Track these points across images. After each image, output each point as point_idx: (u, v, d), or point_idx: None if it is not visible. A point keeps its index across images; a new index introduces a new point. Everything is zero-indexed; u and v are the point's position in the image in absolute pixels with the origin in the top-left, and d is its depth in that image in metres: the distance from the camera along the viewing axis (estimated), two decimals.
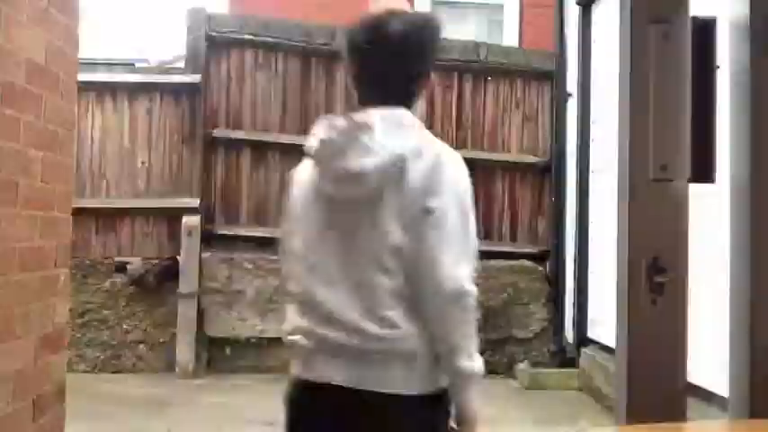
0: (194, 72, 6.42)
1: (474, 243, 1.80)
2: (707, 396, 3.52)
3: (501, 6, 8.54)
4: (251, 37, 6.53)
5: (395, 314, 1.59)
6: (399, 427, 1.60)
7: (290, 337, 1.72)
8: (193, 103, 6.44)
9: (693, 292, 1.84)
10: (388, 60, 1.67)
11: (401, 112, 1.71)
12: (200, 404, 5.31)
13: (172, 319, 6.17)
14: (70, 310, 5.02)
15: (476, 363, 1.70)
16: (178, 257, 6.21)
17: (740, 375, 1.79)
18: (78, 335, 6.10)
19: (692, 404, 2.32)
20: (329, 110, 6.64)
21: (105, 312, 6.20)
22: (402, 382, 1.59)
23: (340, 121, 1.65)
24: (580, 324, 6.28)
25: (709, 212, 2.98)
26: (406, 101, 1.73)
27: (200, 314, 6.21)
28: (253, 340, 6.29)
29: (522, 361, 6.36)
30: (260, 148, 6.54)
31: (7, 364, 2.46)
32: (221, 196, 6.51)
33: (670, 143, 1.72)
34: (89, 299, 6.18)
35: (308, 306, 1.66)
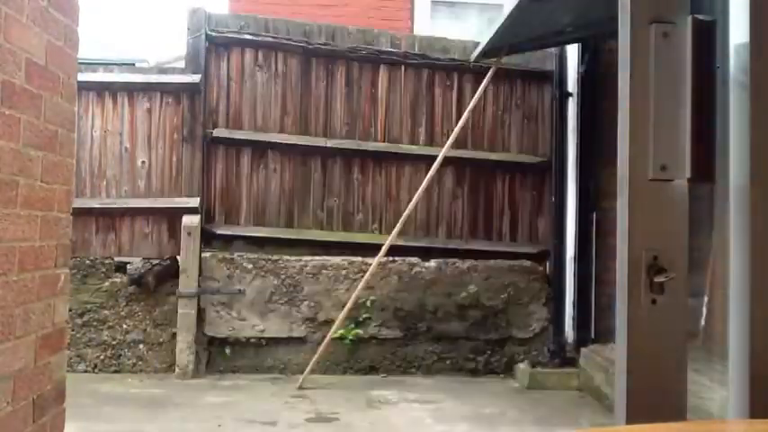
0: (194, 72, 6.42)
1: None
2: None
3: (501, 6, 8.55)
4: (251, 37, 6.54)
5: None
6: None
7: None
8: (193, 103, 6.45)
9: None
10: None
11: None
12: (200, 404, 5.32)
13: (172, 318, 6.18)
14: (70, 310, 5.03)
15: None
16: (178, 257, 6.22)
17: (740, 375, 1.79)
18: (78, 335, 6.11)
19: None
20: (329, 110, 6.66)
21: (105, 312, 6.21)
22: None
23: None
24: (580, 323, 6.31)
25: None
26: None
27: (201, 314, 6.22)
28: (253, 340, 6.30)
29: (522, 361, 6.36)
30: (260, 148, 6.55)
31: (7, 364, 2.46)
32: (221, 196, 6.52)
33: (670, 143, 1.72)
34: (89, 299, 6.18)
35: None
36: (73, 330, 5.99)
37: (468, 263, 6.45)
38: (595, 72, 6.30)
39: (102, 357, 6.20)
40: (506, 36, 5.85)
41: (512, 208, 6.83)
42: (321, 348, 6.01)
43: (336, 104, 6.68)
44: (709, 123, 1.73)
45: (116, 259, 6.32)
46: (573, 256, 6.47)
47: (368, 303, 6.33)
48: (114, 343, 6.21)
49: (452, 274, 6.43)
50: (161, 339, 6.23)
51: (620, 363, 1.75)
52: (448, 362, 6.43)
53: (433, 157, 6.14)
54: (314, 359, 5.98)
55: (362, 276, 6.15)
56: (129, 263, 6.27)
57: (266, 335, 6.31)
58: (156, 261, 6.28)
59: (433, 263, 6.47)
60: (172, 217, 6.36)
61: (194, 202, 6.34)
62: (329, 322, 6.20)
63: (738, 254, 1.82)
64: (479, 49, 6.32)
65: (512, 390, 6.04)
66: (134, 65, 7.46)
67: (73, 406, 3.12)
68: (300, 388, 5.80)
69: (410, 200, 6.27)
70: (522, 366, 6.25)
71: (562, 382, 6.05)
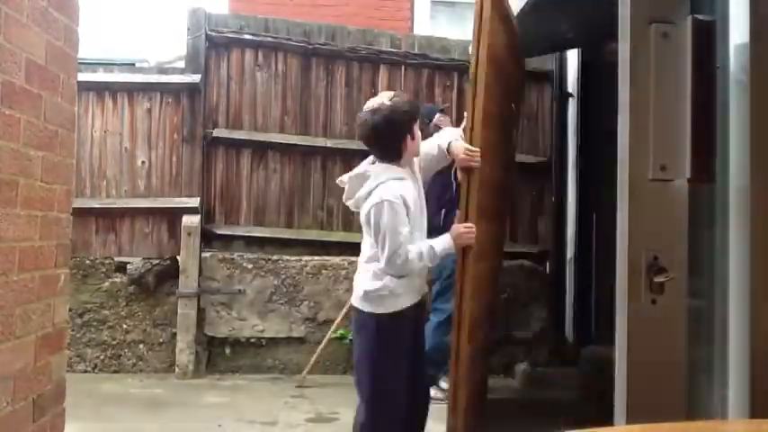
0: (194, 72, 6.41)
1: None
2: None
3: None
4: (251, 37, 6.53)
5: None
6: None
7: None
8: (193, 103, 6.44)
9: None
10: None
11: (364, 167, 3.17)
12: (200, 404, 5.31)
13: (172, 319, 6.18)
14: (70, 310, 5.03)
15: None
16: (178, 257, 6.21)
17: (740, 375, 1.79)
18: (78, 335, 6.10)
19: None
20: (329, 110, 6.65)
21: (105, 312, 6.20)
22: None
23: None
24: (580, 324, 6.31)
25: None
26: (389, 159, 3.11)
27: (201, 314, 6.21)
28: (253, 340, 6.30)
29: (522, 361, 6.36)
30: (260, 148, 6.54)
31: (7, 364, 2.46)
32: (221, 196, 6.51)
33: (670, 143, 1.72)
34: (89, 299, 6.18)
35: None
36: (73, 330, 5.99)
37: None
38: (595, 72, 6.29)
39: (102, 357, 6.19)
40: None
41: (512, 208, 6.82)
42: (321, 348, 6.01)
43: (336, 104, 6.67)
44: (710, 123, 1.73)
45: (116, 259, 6.31)
46: (573, 256, 6.47)
47: None
48: (114, 343, 6.20)
49: None
50: (161, 339, 6.23)
51: (620, 363, 1.75)
52: None
53: None
54: (313, 359, 5.98)
55: None
56: (129, 263, 6.26)
57: (266, 335, 6.31)
58: (156, 261, 6.27)
59: None
60: (172, 217, 6.35)
61: (194, 202, 6.34)
62: (329, 322, 6.19)
63: (738, 254, 1.82)
64: None
65: (512, 390, 6.03)
66: (134, 65, 7.45)
67: (73, 406, 3.12)
68: (300, 388, 5.80)
69: None
70: (522, 366, 6.24)
71: (562, 382, 6.04)
